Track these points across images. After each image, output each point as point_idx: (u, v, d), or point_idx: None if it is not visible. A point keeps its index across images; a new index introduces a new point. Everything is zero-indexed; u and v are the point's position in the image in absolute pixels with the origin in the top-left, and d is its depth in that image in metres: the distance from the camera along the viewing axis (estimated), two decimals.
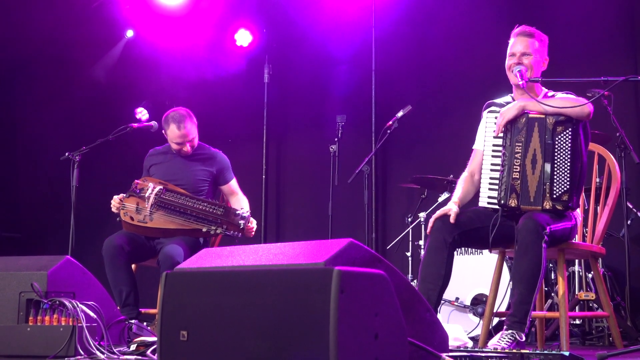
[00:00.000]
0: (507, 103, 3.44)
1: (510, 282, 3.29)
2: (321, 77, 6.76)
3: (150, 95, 6.95)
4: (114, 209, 4.27)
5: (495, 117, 3.38)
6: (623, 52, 5.65)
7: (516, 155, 3.27)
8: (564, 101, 3.27)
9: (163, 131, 4.54)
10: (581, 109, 3.22)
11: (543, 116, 3.24)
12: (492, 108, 3.46)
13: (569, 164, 3.20)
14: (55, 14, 6.97)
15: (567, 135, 3.21)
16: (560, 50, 5.53)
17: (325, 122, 6.33)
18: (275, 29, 6.89)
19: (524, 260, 3.11)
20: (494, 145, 3.39)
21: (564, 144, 3.21)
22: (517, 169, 3.27)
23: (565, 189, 3.20)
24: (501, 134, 3.34)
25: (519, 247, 3.15)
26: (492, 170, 3.37)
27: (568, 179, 3.20)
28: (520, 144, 3.27)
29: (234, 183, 4.56)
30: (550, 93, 3.47)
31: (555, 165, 3.21)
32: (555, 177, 3.21)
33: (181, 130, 4.39)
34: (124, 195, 4.26)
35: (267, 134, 6.63)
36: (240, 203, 4.45)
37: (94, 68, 7.44)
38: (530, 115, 3.27)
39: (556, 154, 3.21)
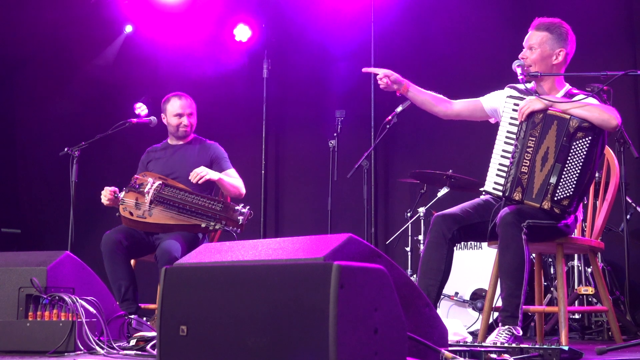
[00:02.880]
0: (528, 90, 3.40)
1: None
2: (320, 72, 6.75)
3: (149, 90, 6.95)
4: (104, 200, 4.26)
5: (514, 104, 3.35)
6: (622, 46, 5.65)
7: (528, 150, 3.25)
8: (593, 108, 3.20)
9: (162, 115, 4.59)
10: (609, 120, 3.16)
11: (566, 117, 3.19)
12: (513, 92, 3.41)
13: (579, 170, 3.17)
14: (54, 10, 6.95)
15: (585, 142, 3.17)
16: None
17: (324, 117, 6.33)
18: (274, 24, 6.88)
19: (507, 254, 3.12)
20: (508, 132, 3.36)
21: (580, 150, 3.18)
22: (526, 163, 3.25)
23: (568, 194, 3.18)
24: (517, 123, 3.31)
25: (501, 242, 3.16)
26: (502, 156, 3.34)
27: (574, 186, 3.17)
28: (534, 139, 3.24)
29: (232, 172, 4.51)
30: (575, 90, 3.43)
31: (565, 169, 3.18)
32: (561, 180, 3.18)
33: (182, 101, 4.50)
34: (116, 188, 4.26)
35: (266, 129, 6.62)
36: (234, 181, 4.42)
37: (93, 64, 7.43)
38: (549, 112, 3.23)
39: (569, 157, 3.18)
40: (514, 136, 3.32)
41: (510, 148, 3.32)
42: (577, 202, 3.24)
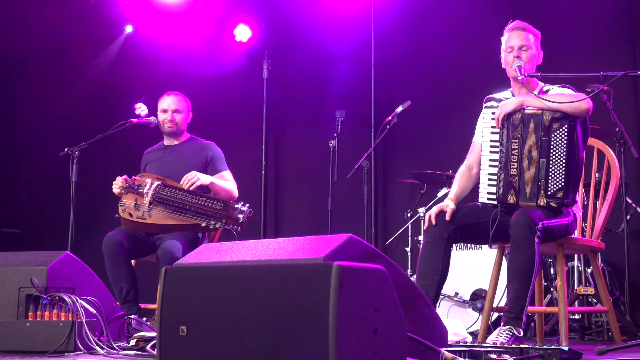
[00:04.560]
0: (507, 98, 3.44)
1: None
2: (320, 72, 6.75)
3: (149, 90, 6.94)
4: (116, 188, 4.23)
5: (492, 112, 3.38)
6: (622, 46, 5.65)
7: (513, 152, 3.27)
8: (563, 97, 3.24)
9: (157, 114, 4.63)
10: (578, 106, 3.18)
11: (539, 112, 3.22)
12: (490, 103, 3.45)
13: (564, 161, 3.19)
14: (54, 11, 6.96)
15: (563, 131, 3.19)
16: (560, 45, 5.53)
17: (324, 117, 6.33)
18: (274, 25, 6.88)
19: (518, 256, 3.12)
20: (491, 141, 3.38)
21: (560, 141, 3.19)
22: (514, 165, 3.26)
23: (560, 186, 3.19)
24: (498, 130, 3.33)
25: (512, 244, 3.15)
26: (490, 165, 3.36)
27: (563, 176, 3.19)
28: (517, 140, 3.27)
29: (227, 175, 4.50)
30: (546, 87, 3.47)
31: (551, 162, 3.19)
32: (550, 174, 3.19)
33: (170, 98, 4.58)
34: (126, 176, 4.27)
35: (266, 129, 6.62)
36: (226, 184, 4.42)
37: (93, 64, 7.44)
38: (525, 112, 3.26)
39: (552, 150, 3.20)
40: (498, 144, 3.33)
41: (497, 156, 3.34)
42: (572, 192, 3.25)
